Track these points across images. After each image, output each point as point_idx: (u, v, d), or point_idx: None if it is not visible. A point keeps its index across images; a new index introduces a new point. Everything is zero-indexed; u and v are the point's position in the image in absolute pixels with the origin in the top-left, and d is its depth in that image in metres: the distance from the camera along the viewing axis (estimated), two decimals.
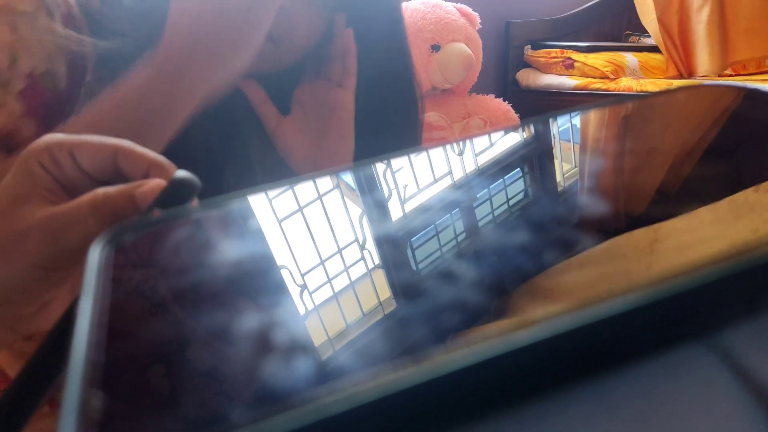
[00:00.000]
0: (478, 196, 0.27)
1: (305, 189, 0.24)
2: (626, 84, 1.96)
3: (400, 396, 0.12)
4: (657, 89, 1.75)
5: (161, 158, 0.27)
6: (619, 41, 2.56)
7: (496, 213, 0.26)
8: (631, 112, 0.29)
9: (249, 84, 0.53)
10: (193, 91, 0.39)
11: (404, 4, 1.65)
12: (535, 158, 0.28)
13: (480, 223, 0.25)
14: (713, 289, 0.14)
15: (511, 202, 0.26)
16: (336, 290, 0.22)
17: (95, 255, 0.18)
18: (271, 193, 0.23)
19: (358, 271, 0.23)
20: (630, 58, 2.15)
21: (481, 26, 1.72)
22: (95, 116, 0.37)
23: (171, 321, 0.21)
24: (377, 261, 0.23)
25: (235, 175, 0.55)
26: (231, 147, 0.55)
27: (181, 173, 0.24)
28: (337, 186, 0.24)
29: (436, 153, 0.27)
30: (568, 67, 2.13)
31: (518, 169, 0.28)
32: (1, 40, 0.39)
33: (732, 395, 0.13)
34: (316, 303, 0.22)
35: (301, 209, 0.24)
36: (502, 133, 0.29)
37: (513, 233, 0.25)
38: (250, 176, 0.57)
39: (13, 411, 0.20)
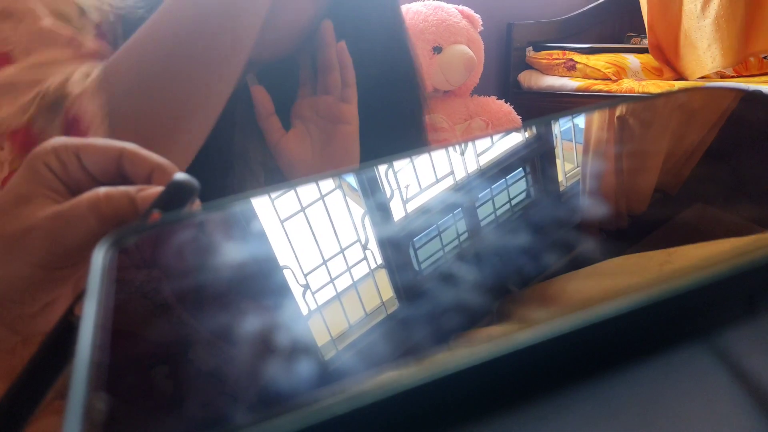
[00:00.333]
0: (480, 196, 0.27)
1: (307, 189, 0.24)
2: (628, 85, 1.95)
3: (403, 397, 0.12)
4: (659, 90, 1.74)
5: (165, 161, 0.27)
6: (621, 43, 2.55)
7: (499, 213, 0.26)
8: (631, 114, 0.29)
9: (258, 91, 0.53)
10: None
11: (406, 6, 1.65)
12: (537, 159, 0.28)
13: (482, 224, 0.25)
14: (713, 290, 0.14)
15: (513, 203, 0.26)
16: (338, 290, 0.22)
17: (99, 257, 0.18)
18: (274, 193, 0.23)
19: (360, 271, 0.23)
20: (632, 60, 2.14)
21: (482, 28, 1.73)
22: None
23: (174, 322, 0.21)
24: (379, 261, 0.23)
25: (238, 177, 0.55)
26: (233, 150, 0.55)
27: (180, 176, 0.24)
28: (339, 186, 0.25)
29: (438, 153, 0.27)
30: (570, 68, 2.13)
31: (520, 169, 0.28)
32: None
33: (731, 396, 0.13)
34: (319, 303, 0.22)
35: (303, 209, 0.24)
36: (503, 134, 0.29)
37: (515, 233, 0.25)
38: (253, 179, 0.58)
39: (13, 411, 0.20)
